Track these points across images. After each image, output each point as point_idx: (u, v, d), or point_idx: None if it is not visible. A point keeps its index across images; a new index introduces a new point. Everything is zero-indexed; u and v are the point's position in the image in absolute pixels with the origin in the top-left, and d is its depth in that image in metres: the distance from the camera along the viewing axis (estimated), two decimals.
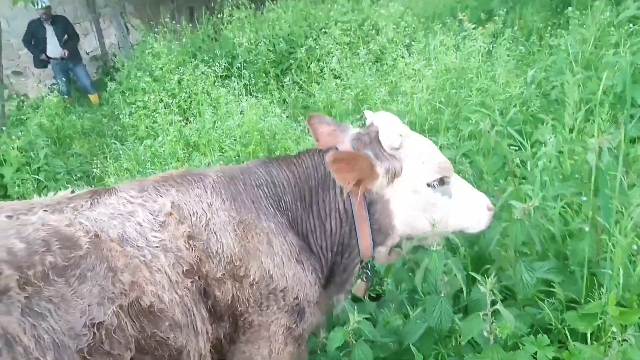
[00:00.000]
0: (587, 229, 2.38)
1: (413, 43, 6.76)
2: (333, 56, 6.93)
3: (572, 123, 3.53)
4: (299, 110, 6.23)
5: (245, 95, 6.51)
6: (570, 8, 5.96)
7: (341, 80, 6.32)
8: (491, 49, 5.71)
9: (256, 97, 6.33)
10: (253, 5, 9.06)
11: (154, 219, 1.81)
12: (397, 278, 2.81)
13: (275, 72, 7.51)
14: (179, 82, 6.96)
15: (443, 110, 4.36)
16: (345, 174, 1.96)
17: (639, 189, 2.51)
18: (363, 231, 2.09)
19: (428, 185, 2.06)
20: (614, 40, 4.74)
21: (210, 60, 7.64)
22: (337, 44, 7.36)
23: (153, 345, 1.68)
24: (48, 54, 10.11)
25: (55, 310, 1.49)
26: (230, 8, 8.95)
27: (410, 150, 2.06)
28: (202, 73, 6.88)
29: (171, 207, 1.84)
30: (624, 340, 1.96)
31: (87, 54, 12.39)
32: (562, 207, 2.79)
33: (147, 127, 6.33)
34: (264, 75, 7.47)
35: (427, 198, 2.07)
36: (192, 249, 1.80)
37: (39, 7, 9.67)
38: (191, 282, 1.78)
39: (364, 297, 2.49)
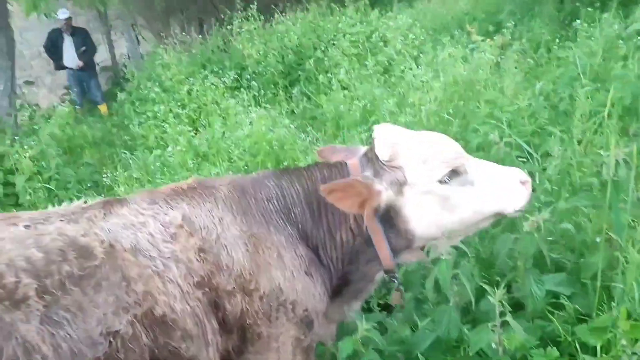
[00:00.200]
0: (597, 239, 2.37)
1: (421, 55, 6.80)
2: (341, 68, 6.98)
3: (580, 135, 3.53)
4: (307, 121, 6.26)
5: (254, 106, 6.56)
6: (578, 21, 5.98)
7: (349, 91, 6.35)
8: (499, 61, 5.73)
9: (265, 108, 6.37)
10: (262, 18, 9.14)
11: (165, 230, 1.83)
12: (406, 287, 2.81)
13: (284, 84, 7.57)
14: (189, 93, 7.04)
15: (451, 122, 4.37)
16: (344, 202, 1.96)
17: None
18: (379, 243, 2.08)
19: (440, 182, 2.02)
20: (623, 53, 4.74)
21: (220, 71, 7.72)
22: (345, 55, 7.41)
23: (166, 355, 1.70)
24: (64, 63, 10.36)
25: (73, 319, 1.51)
26: (240, 20, 9.04)
27: (409, 154, 2.04)
28: (212, 84, 6.95)
29: (182, 220, 1.86)
30: (634, 353, 1.95)
31: (98, 64, 12.56)
32: (574, 219, 2.78)
33: (156, 137, 6.40)
34: (272, 86, 7.53)
35: (441, 195, 2.03)
36: (203, 262, 1.82)
37: (60, 18, 9.92)
38: (202, 293, 1.80)
39: (401, 306, 2.48)
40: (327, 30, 8.40)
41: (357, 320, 2.18)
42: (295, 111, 6.69)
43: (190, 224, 1.87)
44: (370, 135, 2.26)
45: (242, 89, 7.14)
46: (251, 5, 8.96)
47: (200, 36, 9.86)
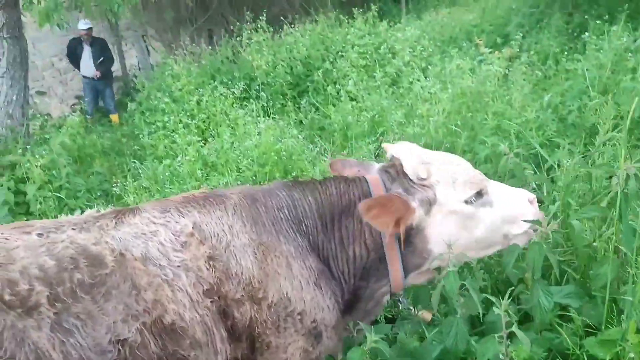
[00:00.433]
0: (606, 252, 2.36)
1: (429, 67, 6.82)
2: (349, 79, 7.01)
3: (590, 148, 3.53)
4: (315, 131, 6.29)
5: (263, 116, 6.59)
6: (586, 33, 6.00)
7: (357, 102, 6.38)
8: (507, 73, 5.74)
9: (274, 118, 6.41)
10: (271, 29, 9.22)
11: (175, 239, 1.85)
12: (414, 299, 2.80)
13: (292, 94, 7.61)
14: (198, 103, 7.09)
15: (459, 134, 4.38)
16: (383, 219, 1.94)
17: None
18: (393, 260, 2.08)
19: (466, 202, 2.05)
20: (631, 65, 4.74)
21: (229, 82, 7.78)
22: (353, 67, 7.45)
23: None
24: (81, 72, 10.57)
25: (83, 327, 1.53)
26: (249, 31, 9.12)
27: (439, 174, 2.06)
28: (221, 94, 6.99)
29: (193, 228, 1.88)
30: None
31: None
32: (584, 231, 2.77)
33: (166, 147, 6.44)
34: (281, 97, 7.57)
35: (466, 215, 2.06)
36: (213, 270, 1.83)
37: (81, 28, 10.13)
38: (211, 301, 1.81)
39: (430, 323, 2.50)
40: (336, 41, 8.46)
41: (366, 331, 2.18)
42: (303, 122, 6.72)
43: (201, 232, 1.88)
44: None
45: (250, 100, 7.19)
46: (260, 17, 9.04)
47: (209, 47, 9.96)
